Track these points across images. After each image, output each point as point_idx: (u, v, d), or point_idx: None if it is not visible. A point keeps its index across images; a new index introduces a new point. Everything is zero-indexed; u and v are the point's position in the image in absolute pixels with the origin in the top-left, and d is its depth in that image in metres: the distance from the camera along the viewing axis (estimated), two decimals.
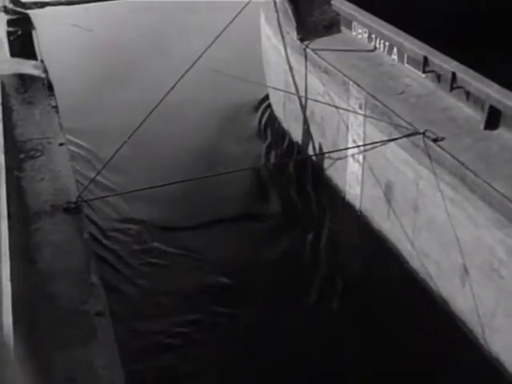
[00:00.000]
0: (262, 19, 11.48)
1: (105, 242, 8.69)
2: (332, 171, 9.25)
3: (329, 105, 8.68)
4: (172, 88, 7.30)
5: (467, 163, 6.50)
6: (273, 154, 10.80)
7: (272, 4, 10.27)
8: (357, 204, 8.68)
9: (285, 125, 10.90)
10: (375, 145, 7.75)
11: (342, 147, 8.63)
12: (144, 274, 8.19)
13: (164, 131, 10.76)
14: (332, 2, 9.69)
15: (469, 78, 7.14)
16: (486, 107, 6.90)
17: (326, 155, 9.27)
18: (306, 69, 9.39)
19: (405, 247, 7.68)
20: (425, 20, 9.22)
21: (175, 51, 12.10)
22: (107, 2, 9.70)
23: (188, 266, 8.26)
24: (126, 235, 8.88)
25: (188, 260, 8.36)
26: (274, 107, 11.58)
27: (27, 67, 8.28)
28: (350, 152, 8.51)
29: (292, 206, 9.50)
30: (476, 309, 6.60)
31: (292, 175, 9.98)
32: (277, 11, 10.07)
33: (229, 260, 8.30)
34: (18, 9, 8.53)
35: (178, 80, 7.39)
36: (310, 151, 9.78)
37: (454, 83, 7.36)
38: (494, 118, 6.89)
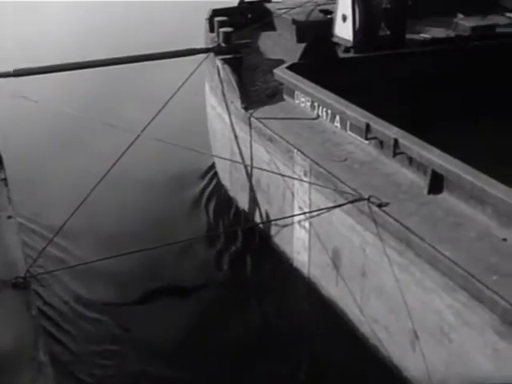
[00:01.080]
0: (207, 89, 11.60)
1: (54, 318, 8.51)
2: (279, 238, 9.23)
3: (274, 173, 8.73)
4: (119, 158, 7.33)
5: (412, 228, 6.54)
6: (220, 223, 10.78)
7: (216, 74, 10.39)
8: (305, 271, 8.65)
9: (231, 193, 10.90)
10: (321, 211, 7.77)
11: (289, 214, 8.64)
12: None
13: (111, 201, 10.69)
14: (274, 71, 9.84)
15: (411, 144, 7.26)
16: (429, 172, 7.00)
17: (273, 223, 9.27)
18: (251, 137, 9.46)
19: (354, 313, 7.65)
20: (369, 86, 9.44)
21: (123, 119, 12.11)
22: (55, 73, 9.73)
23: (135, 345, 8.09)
24: (74, 312, 8.71)
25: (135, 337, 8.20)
26: (221, 175, 11.60)
27: None
28: (296, 219, 8.52)
29: (239, 274, 9.44)
30: (427, 373, 6.57)
31: (239, 243, 9.94)
32: (221, 81, 10.19)
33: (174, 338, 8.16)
34: None
35: (126, 150, 7.41)
36: (257, 219, 9.77)
37: (396, 149, 7.46)
38: (437, 183, 6.98)
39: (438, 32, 11.33)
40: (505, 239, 6.23)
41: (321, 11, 11.54)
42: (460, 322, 6.01)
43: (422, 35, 11.11)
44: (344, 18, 10.42)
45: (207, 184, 11.97)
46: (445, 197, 6.92)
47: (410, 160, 7.36)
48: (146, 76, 15.36)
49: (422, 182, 7.14)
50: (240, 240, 9.98)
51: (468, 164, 6.69)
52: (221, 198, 11.34)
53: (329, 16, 11.10)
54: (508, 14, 12.64)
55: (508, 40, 11.07)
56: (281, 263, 9.13)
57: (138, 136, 7.95)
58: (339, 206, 7.37)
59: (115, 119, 11.68)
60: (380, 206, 6.92)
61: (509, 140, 9.94)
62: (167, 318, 8.45)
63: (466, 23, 11.27)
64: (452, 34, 11.22)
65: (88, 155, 12.47)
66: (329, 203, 7.64)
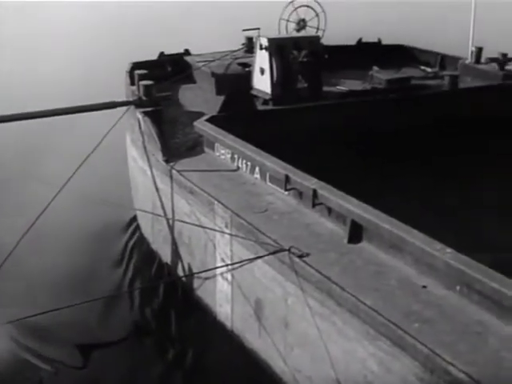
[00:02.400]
0: (128, 141, 11.55)
1: None
2: (202, 291, 9.16)
3: (195, 225, 8.70)
4: (41, 213, 7.22)
5: (333, 277, 6.58)
6: (142, 277, 10.64)
7: (137, 126, 10.37)
8: (228, 323, 8.59)
9: (154, 246, 10.80)
10: (242, 263, 7.76)
11: (211, 266, 8.60)
12: None
13: (33, 259, 10.45)
14: (194, 123, 9.88)
15: (329, 194, 7.35)
16: (348, 222, 7.09)
17: (196, 275, 9.19)
18: (172, 189, 9.44)
19: (277, 364, 7.60)
20: (289, 137, 9.56)
21: (45, 175, 11.92)
22: None
23: None
24: None
25: None
26: (143, 228, 11.50)
27: None
28: (218, 271, 8.47)
29: (163, 328, 9.31)
30: None
31: (162, 298, 9.82)
32: (141, 134, 10.17)
33: None
34: None
35: (47, 206, 7.32)
36: (180, 272, 9.68)
37: (315, 200, 7.54)
38: (356, 233, 7.07)
39: (355, 84, 11.64)
40: (424, 286, 6.32)
41: (239, 64, 11.70)
42: (383, 370, 6.04)
43: (338, 88, 11.35)
44: (262, 71, 10.58)
45: (130, 237, 11.83)
46: (365, 246, 7.00)
47: (330, 210, 7.44)
48: (69, 129, 15.21)
49: (342, 232, 7.22)
50: (163, 294, 9.85)
51: (389, 213, 6.81)
52: (143, 251, 11.21)
53: (247, 69, 11.26)
54: (422, 67, 13.10)
55: (423, 92, 11.44)
56: (204, 317, 9.05)
57: (60, 190, 7.86)
58: (260, 257, 7.37)
59: (37, 173, 11.58)
60: (301, 256, 6.95)
61: (429, 186, 10.23)
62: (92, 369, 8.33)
63: (381, 76, 11.59)
64: (368, 86, 11.51)
65: (7, 211, 12.20)
66: (250, 254, 7.63)
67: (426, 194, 10.15)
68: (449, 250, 6.18)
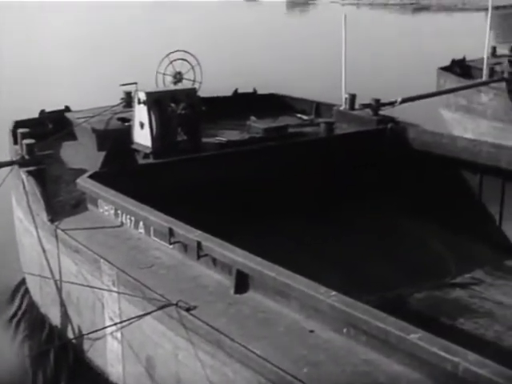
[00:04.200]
0: (14, 202, 11.33)
1: None
2: (93, 352, 8.99)
3: (82, 285, 8.57)
4: None
5: (222, 329, 6.59)
6: (32, 343, 10.35)
7: (21, 186, 10.19)
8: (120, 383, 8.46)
9: (43, 309, 10.55)
10: (131, 321, 7.67)
11: (100, 326, 8.46)
12: None
13: None
14: (77, 181, 9.79)
15: (213, 245, 7.40)
16: (234, 272, 7.14)
17: (85, 337, 9.02)
18: (59, 249, 9.29)
19: None
20: (170, 190, 9.59)
21: None
22: None
23: None
24: None
25: None
26: (32, 292, 11.23)
27: None
28: (108, 331, 8.34)
29: None
30: None
31: (53, 362, 9.57)
32: (26, 193, 10.00)
33: None
34: None
35: None
36: (70, 334, 9.48)
37: (200, 252, 7.57)
38: (242, 282, 7.12)
39: (233, 135, 11.79)
40: (312, 331, 6.41)
41: (119, 119, 11.69)
42: None
43: (217, 139, 11.49)
44: (141, 125, 10.61)
45: (19, 302, 11.51)
46: (251, 295, 7.06)
47: (215, 261, 7.48)
48: None
49: (228, 282, 7.26)
50: (54, 359, 9.60)
51: (273, 260, 6.90)
52: (33, 316, 10.91)
53: (127, 124, 11.26)
54: (298, 115, 13.43)
55: (300, 139, 11.72)
56: (96, 378, 8.87)
57: None
58: (148, 313, 7.32)
59: None
60: (188, 309, 6.94)
61: (310, 232, 10.45)
62: None
63: (258, 125, 11.81)
64: (246, 136, 11.69)
65: None
66: (139, 311, 7.56)
67: (309, 240, 10.37)
68: (333, 292, 6.29)
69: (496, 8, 57.18)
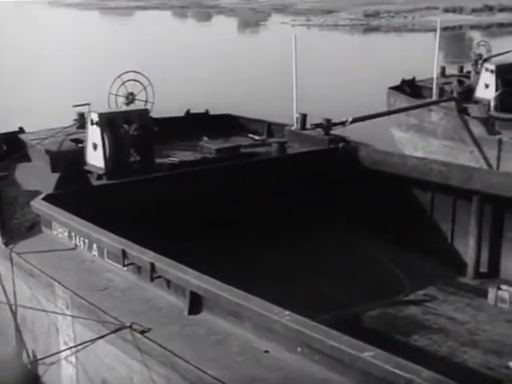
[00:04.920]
0: None
1: None
2: (48, 377, 8.88)
3: (36, 309, 8.49)
4: None
5: (176, 351, 6.58)
6: None
7: None
8: None
9: None
10: (85, 344, 7.61)
11: (55, 351, 8.37)
12: None
13: None
14: (31, 203, 9.70)
15: (167, 267, 7.39)
16: (187, 293, 7.14)
17: (40, 362, 8.91)
18: (13, 273, 9.20)
19: None
20: (124, 211, 9.55)
21: None
22: None
23: None
24: None
25: None
26: None
27: None
28: (62, 355, 8.26)
29: None
30: None
31: None
32: None
33: None
34: None
35: None
36: (25, 359, 9.36)
37: (153, 273, 7.55)
38: (196, 303, 7.13)
39: (186, 155, 11.79)
40: (266, 351, 6.43)
41: (72, 140, 11.60)
42: None
43: (170, 159, 11.48)
44: (95, 146, 10.56)
45: None
46: (205, 316, 7.06)
47: (168, 283, 7.47)
48: None
49: (182, 304, 7.25)
50: None
51: (227, 280, 6.91)
52: None
53: (80, 145, 11.19)
54: (250, 135, 13.49)
55: (252, 159, 11.76)
56: None
57: None
58: (102, 337, 7.27)
59: None
60: (142, 332, 6.91)
61: (264, 252, 10.47)
62: None
63: (210, 146, 11.84)
64: (198, 156, 11.71)
65: None
66: (93, 335, 7.51)
67: (262, 260, 10.39)
68: (287, 312, 6.33)
69: (445, 29, 58.53)
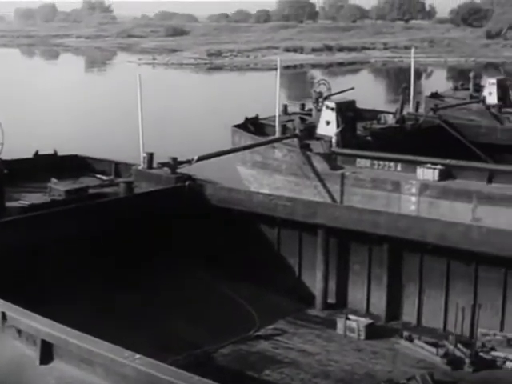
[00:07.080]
0: None
1: None
2: None
3: None
4: None
5: None
6: None
7: None
8: None
9: None
10: None
11: None
12: None
13: None
14: None
15: (19, 316, 7.16)
16: (39, 342, 6.93)
17: None
18: None
19: None
20: None
21: None
22: None
23: None
24: None
25: None
26: None
27: None
28: None
29: None
30: None
31: None
32: None
33: None
34: None
35: None
36: None
37: (4, 322, 7.28)
38: (47, 352, 6.94)
39: (35, 198, 11.54)
40: None
41: None
42: None
43: (20, 202, 11.19)
44: None
45: None
46: (56, 365, 6.88)
47: (20, 332, 7.22)
48: None
49: (33, 353, 7.03)
50: None
51: (80, 327, 6.77)
52: None
53: None
54: (98, 175, 13.37)
55: (100, 200, 11.64)
56: None
57: None
58: None
59: None
60: None
61: (113, 298, 10.32)
62: None
63: (59, 187, 11.64)
64: (48, 198, 11.47)
65: None
66: None
67: (111, 304, 10.24)
68: (137, 356, 6.27)
69: (286, 67, 60.33)
